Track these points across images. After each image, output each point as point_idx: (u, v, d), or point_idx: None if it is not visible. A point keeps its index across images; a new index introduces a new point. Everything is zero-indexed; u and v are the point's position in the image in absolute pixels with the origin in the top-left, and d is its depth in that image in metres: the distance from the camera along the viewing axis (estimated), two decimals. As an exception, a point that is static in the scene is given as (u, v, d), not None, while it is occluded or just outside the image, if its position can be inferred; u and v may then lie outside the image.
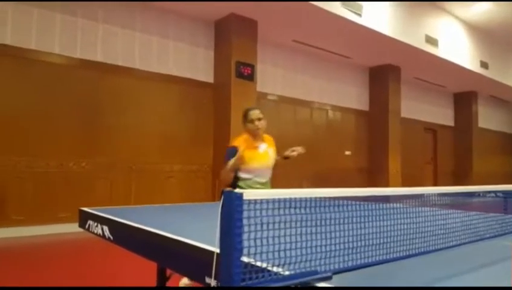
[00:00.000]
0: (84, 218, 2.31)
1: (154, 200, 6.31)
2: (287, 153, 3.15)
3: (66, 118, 5.82)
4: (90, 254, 4.58)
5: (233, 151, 2.95)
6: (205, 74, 7.32)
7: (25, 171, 5.45)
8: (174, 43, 6.98)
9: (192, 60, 7.18)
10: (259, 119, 3.06)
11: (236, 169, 2.96)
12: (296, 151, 3.13)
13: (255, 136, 3.09)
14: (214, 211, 2.28)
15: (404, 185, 10.19)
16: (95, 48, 6.13)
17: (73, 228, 5.57)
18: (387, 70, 10.09)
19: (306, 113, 8.98)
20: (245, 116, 3.11)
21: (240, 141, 3.08)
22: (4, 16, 5.41)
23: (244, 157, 2.90)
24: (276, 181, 3.16)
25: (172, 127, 6.84)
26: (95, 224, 2.15)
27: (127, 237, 1.78)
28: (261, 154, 3.10)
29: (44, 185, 5.58)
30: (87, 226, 2.27)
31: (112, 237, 1.91)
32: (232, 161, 2.86)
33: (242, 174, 3.00)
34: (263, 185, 3.13)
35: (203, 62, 7.32)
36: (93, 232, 2.16)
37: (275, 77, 8.37)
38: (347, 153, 9.80)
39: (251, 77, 7.20)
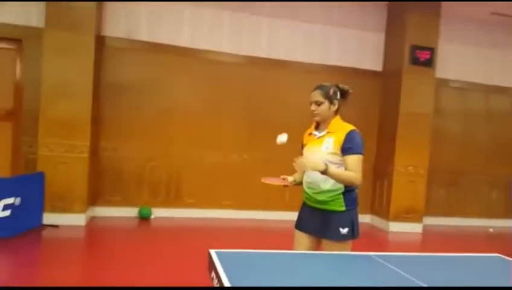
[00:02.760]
0: (211, 264, 1.91)
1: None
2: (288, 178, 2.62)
3: (231, 113, 6.09)
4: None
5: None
6: (373, 61, 6.56)
7: (197, 160, 5.99)
8: (339, 30, 6.40)
9: (358, 47, 6.50)
10: (316, 102, 2.39)
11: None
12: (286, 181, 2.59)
13: (317, 123, 2.49)
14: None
15: None
16: (259, 44, 6.14)
17: (234, 214, 6.15)
18: None
19: (505, 103, 7.18)
20: None
21: (305, 133, 2.62)
22: (181, 19, 5.85)
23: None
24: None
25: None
26: (216, 280, 1.74)
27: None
28: (314, 141, 2.46)
29: (211, 174, 6.05)
30: (211, 276, 1.87)
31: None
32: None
33: None
34: (316, 189, 2.45)
35: (371, 48, 6.55)
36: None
37: (461, 60, 6.87)
38: None
39: (429, 63, 6.09)
